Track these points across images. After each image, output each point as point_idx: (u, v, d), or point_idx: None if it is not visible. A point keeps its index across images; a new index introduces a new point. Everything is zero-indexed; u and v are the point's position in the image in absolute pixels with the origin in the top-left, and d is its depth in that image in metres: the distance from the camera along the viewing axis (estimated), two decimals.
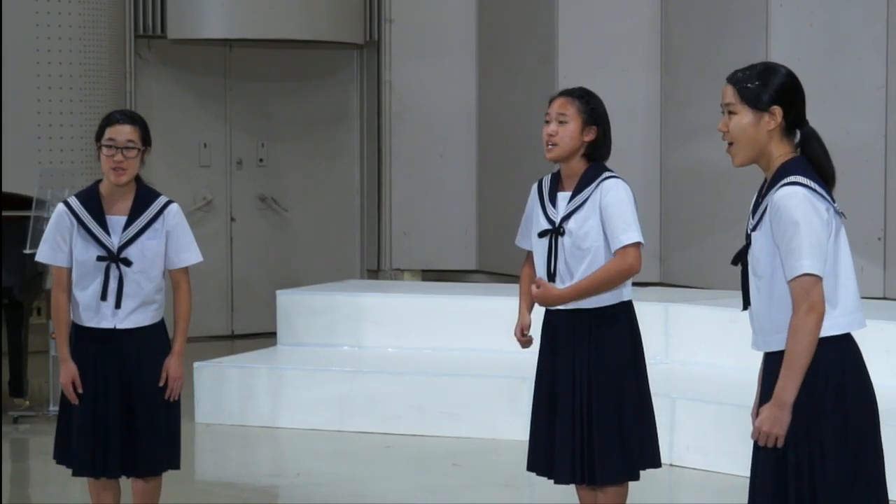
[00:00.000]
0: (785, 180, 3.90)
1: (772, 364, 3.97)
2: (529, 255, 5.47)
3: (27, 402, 8.90)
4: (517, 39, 11.41)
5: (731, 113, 4.00)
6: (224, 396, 8.67)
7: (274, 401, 8.60)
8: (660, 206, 10.55)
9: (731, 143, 4.02)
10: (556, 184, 5.32)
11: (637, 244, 5.18)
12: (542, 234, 5.30)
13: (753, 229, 4.00)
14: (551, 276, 5.25)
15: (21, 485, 7.50)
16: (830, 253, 3.89)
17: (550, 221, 5.27)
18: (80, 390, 5.37)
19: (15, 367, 8.79)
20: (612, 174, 5.25)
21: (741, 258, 4.08)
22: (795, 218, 3.85)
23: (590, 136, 5.24)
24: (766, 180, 4.00)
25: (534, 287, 5.25)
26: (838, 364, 3.91)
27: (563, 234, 5.22)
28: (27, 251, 8.34)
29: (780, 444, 3.91)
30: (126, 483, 5.60)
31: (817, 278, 3.84)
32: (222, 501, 7.16)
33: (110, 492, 5.55)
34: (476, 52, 11.98)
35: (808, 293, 3.84)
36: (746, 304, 4.07)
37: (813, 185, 3.89)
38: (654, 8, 10.59)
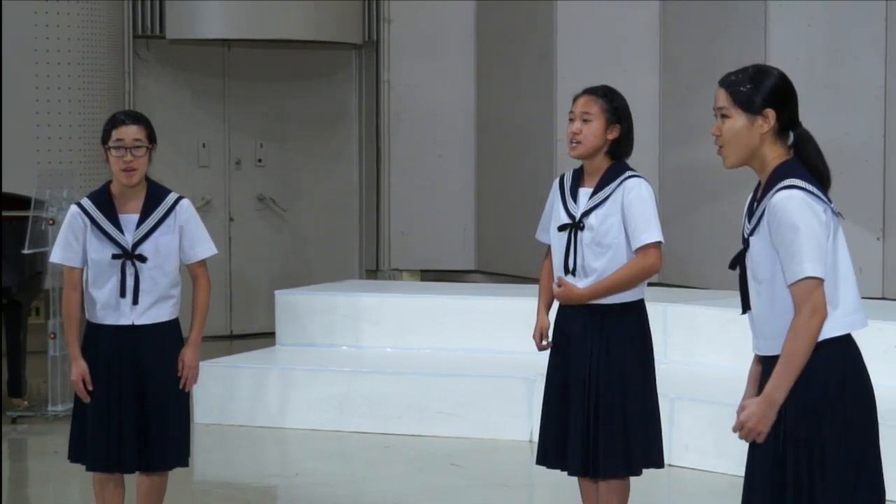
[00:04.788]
0: (781, 184, 3.86)
1: (772, 367, 3.92)
2: (549, 250, 5.47)
3: (25, 403, 8.89)
4: (516, 39, 11.40)
5: (723, 116, 3.96)
6: (222, 397, 8.66)
7: (273, 401, 8.59)
8: (658, 206, 10.54)
9: (721, 147, 3.98)
10: (578, 179, 5.36)
11: (658, 244, 5.25)
12: (561, 228, 5.31)
13: (751, 234, 3.96)
14: (568, 270, 5.27)
15: (20, 485, 7.49)
16: (830, 254, 3.86)
17: (570, 216, 5.30)
18: (90, 388, 5.41)
19: (13, 368, 8.78)
20: (635, 173, 5.31)
21: (739, 262, 4.05)
22: (794, 222, 3.81)
23: (613, 135, 5.29)
24: (759, 183, 3.98)
25: (555, 286, 5.27)
26: (838, 365, 3.88)
27: (582, 228, 5.25)
28: (25, 251, 8.34)
29: (760, 440, 3.90)
30: (129, 481, 5.60)
31: (819, 281, 3.81)
32: (221, 501, 7.16)
33: (115, 488, 5.56)
34: (475, 52, 11.97)
35: (811, 296, 3.81)
36: (746, 307, 4.05)
37: (809, 187, 3.86)
38: (653, 8, 10.59)
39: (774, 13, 9.52)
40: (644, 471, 5.37)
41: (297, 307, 9.38)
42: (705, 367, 8.14)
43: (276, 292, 9.59)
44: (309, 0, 11.29)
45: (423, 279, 12.16)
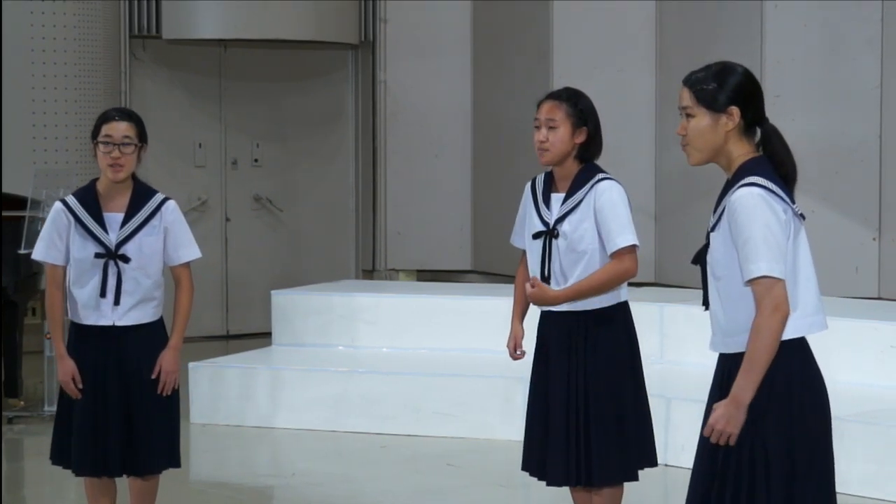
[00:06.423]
0: (743, 181, 3.83)
1: (729, 365, 3.91)
2: (524, 256, 5.45)
3: (22, 403, 8.89)
4: (512, 39, 11.40)
5: (688, 116, 3.94)
6: (219, 396, 8.66)
7: (269, 401, 8.59)
8: (654, 206, 10.56)
9: (686, 145, 3.95)
10: (550, 184, 5.30)
11: (633, 247, 5.17)
12: (536, 236, 5.28)
13: (712, 230, 3.93)
14: (545, 278, 5.24)
15: (16, 485, 7.49)
16: (789, 255, 3.82)
17: (544, 223, 5.25)
18: (80, 385, 5.36)
19: (10, 368, 8.78)
20: (606, 176, 5.22)
21: (700, 258, 4.02)
22: (752, 219, 3.78)
23: (580, 138, 5.21)
24: (727, 181, 3.94)
25: (528, 286, 5.21)
26: (786, 367, 3.83)
27: (557, 236, 5.20)
28: (21, 251, 8.33)
29: (732, 441, 3.86)
30: (122, 484, 5.59)
31: (776, 279, 3.77)
32: (217, 502, 7.16)
33: (107, 492, 5.54)
34: (471, 51, 11.98)
35: (770, 293, 3.76)
36: (707, 304, 4.02)
37: (771, 185, 3.82)
38: (649, 8, 10.59)
39: (770, 13, 9.52)
40: (640, 471, 5.37)
41: (294, 307, 9.38)
42: (701, 366, 8.06)
43: (273, 292, 9.59)
44: (305, 0, 11.29)
45: (419, 279, 12.16)
